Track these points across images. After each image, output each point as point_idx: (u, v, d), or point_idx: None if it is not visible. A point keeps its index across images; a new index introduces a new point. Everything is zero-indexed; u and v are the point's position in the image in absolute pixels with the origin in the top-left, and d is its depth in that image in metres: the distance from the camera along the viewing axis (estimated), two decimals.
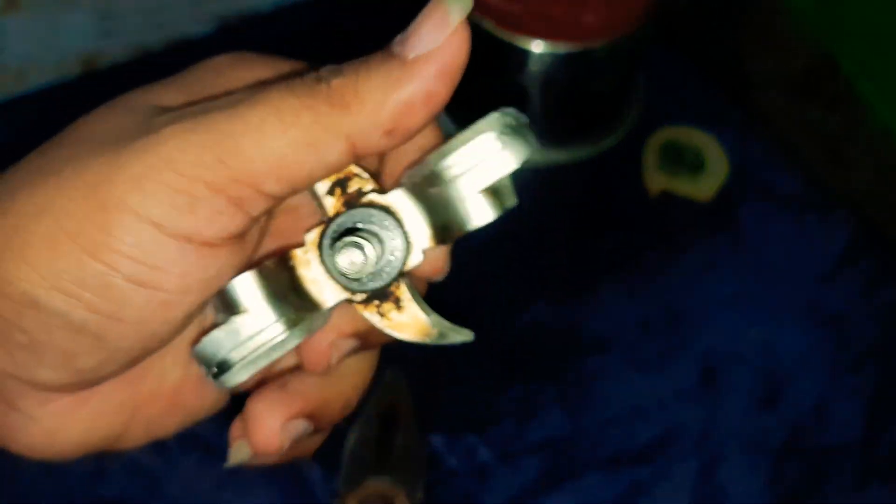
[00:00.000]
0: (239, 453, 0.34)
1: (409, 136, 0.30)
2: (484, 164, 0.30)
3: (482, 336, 0.78)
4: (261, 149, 0.29)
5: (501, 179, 0.30)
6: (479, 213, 0.31)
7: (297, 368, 0.34)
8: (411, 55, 0.29)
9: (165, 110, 0.31)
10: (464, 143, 0.30)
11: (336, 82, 0.29)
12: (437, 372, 0.69)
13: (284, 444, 0.33)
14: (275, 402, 0.33)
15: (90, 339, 0.30)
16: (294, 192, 0.30)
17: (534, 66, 0.76)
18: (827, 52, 0.82)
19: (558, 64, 0.76)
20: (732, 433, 0.69)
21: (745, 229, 0.78)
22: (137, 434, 0.34)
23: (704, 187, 0.78)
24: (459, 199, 0.31)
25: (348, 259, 0.31)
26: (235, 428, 0.34)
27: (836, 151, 0.83)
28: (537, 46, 0.75)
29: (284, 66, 0.33)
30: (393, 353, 0.75)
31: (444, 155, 0.30)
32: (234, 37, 0.86)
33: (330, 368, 0.33)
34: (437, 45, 0.29)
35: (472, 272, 0.76)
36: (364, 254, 0.31)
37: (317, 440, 0.36)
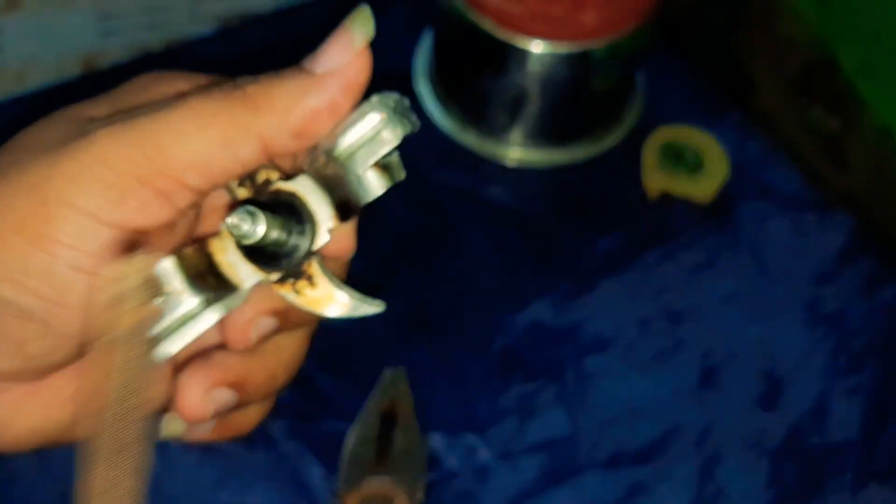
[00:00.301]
0: (170, 425, 0.36)
1: (315, 140, 0.34)
2: (371, 142, 0.33)
3: (482, 336, 0.78)
4: (181, 146, 0.32)
5: (389, 155, 0.34)
6: (372, 188, 0.34)
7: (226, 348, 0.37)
8: (320, 70, 0.33)
9: (97, 120, 0.34)
10: (352, 125, 0.33)
11: (250, 88, 0.33)
12: (437, 372, 0.69)
13: (209, 411, 0.35)
14: (198, 371, 0.36)
15: (38, 325, 0.32)
16: (214, 185, 0.33)
17: (534, 66, 0.76)
18: (827, 52, 0.82)
19: (558, 64, 0.76)
20: (732, 433, 0.69)
21: (745, 229, 0.78)
22: None
23: (704, 187, 0.78)
24: (354, 177, 0.34)
25: (236, 219, 0.32)
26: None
27: (836, 151, 0.83)
28: (537, 46, 0.74)
29: (205, 80, 0.35)
30: (393, 353, 0.75)
31: (336, 137, 0.33)
32: (234, 37, 0.86)
33: (253, 346, 0.35)
34: (343, 64, 0.33)
35: (471, 272, 0.76)
36: (253, 221, 0.32)
37: (253, 417, 0.38)
